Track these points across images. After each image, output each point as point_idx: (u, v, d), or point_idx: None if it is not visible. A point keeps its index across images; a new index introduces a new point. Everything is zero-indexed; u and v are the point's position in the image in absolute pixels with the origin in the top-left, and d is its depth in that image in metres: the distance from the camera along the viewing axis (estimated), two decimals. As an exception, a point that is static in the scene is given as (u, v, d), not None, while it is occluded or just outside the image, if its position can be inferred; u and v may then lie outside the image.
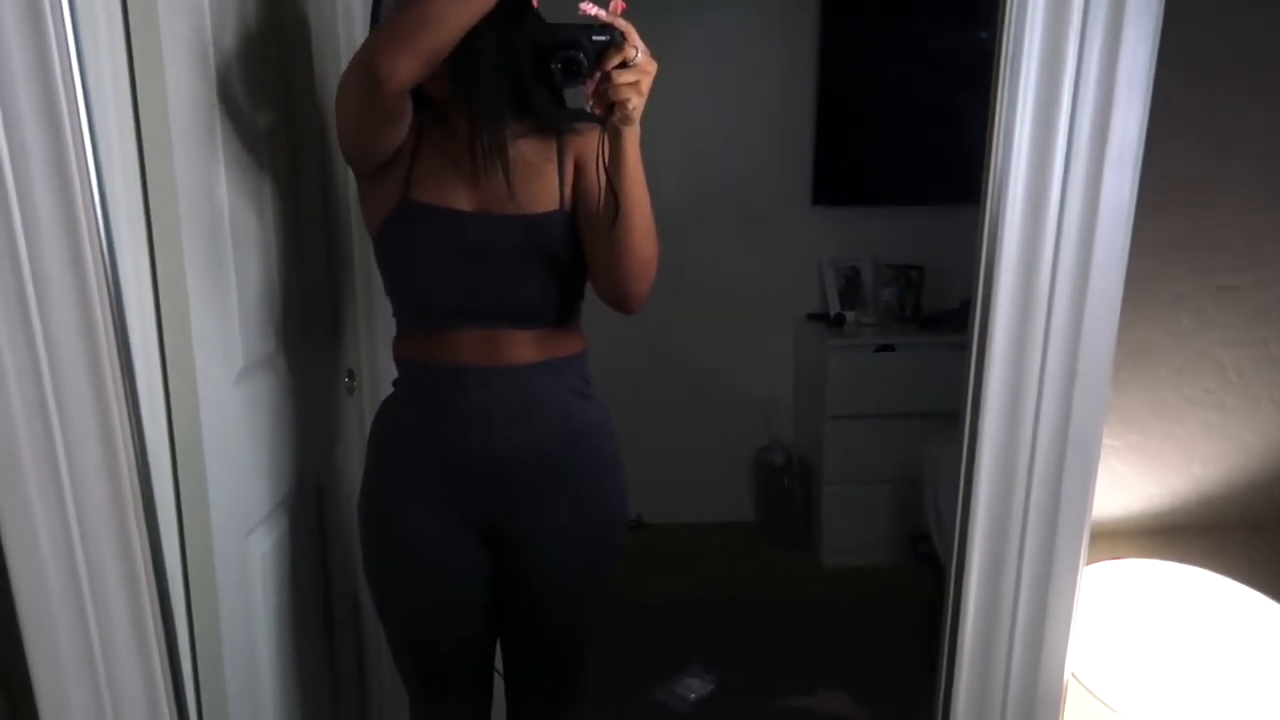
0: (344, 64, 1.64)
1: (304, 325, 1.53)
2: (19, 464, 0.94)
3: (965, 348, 3.05)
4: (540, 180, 1.29)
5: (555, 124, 1.29)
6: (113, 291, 0.93)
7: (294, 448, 1.50)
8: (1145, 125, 0.86)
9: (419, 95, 1.33)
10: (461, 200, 1.28)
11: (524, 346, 1.31)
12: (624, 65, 1.10)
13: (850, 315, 3.14)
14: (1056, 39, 0.84)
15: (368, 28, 1.36)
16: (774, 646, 2.63)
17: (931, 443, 2.58)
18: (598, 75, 1.11)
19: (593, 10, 1.10)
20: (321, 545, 1.66)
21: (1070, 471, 0.95)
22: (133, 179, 1.08)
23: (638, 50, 1.10)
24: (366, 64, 1.13)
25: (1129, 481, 1.17)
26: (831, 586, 2.97)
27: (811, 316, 3.22)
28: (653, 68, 1.12)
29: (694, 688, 2.45)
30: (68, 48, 0.87)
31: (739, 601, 2.85)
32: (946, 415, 2.95)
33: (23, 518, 0.95)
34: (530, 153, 1.30)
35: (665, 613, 2.71)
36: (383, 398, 1.43)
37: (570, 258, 1.29)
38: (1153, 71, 0.85)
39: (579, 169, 1.29)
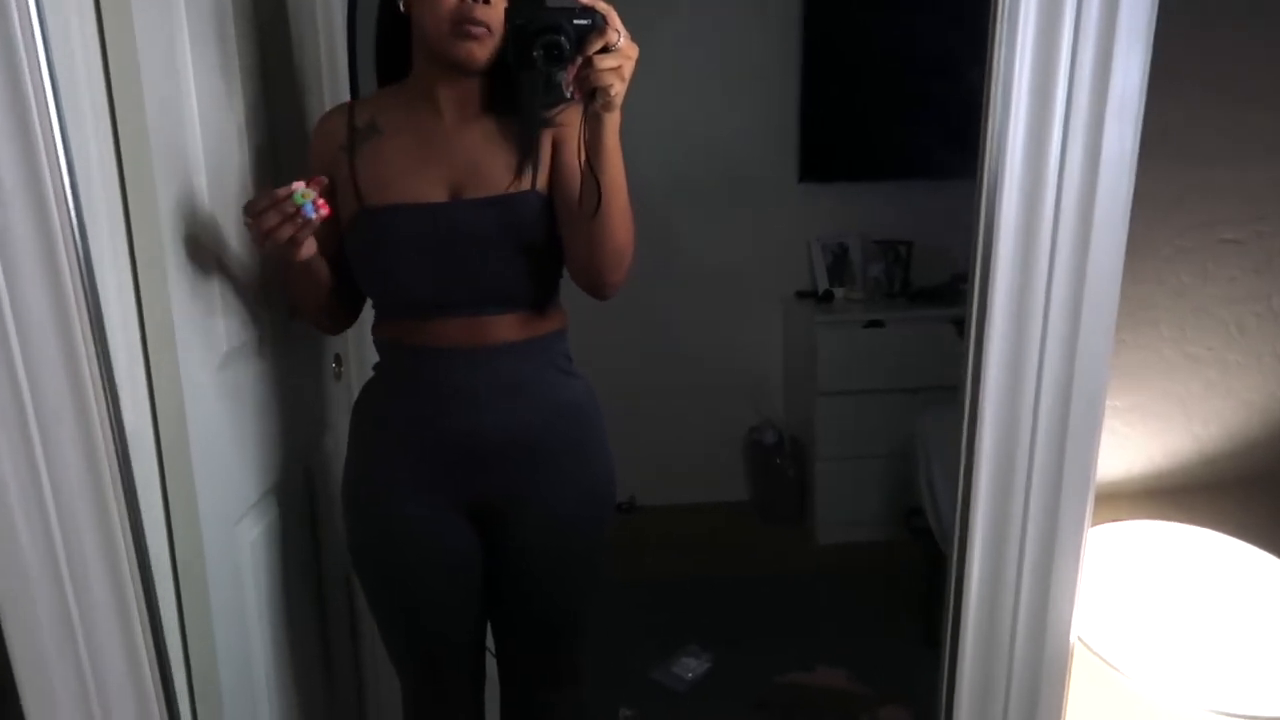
0: (323, 55, 1.64)
1: (288, 312, 1.50)
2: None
3: (955, 322, 3.03)
4: (508, 157, 1.27)
5: (541, 108, 1.26)
6: (87, 280, 0.90)
7: (281, 434, 1.48)
8: (1147, 74, 0.84)
9: (392, 65, 1.32)
10: (425, 190, 1.26)
11: (505, 328, 1.30)
12: (606, 50, 1.07)
13: (839, 292, 3.13)
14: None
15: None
16: (771, 624, 2.63)
17: (924, 417, 2.58)
18: (579, 60, 1.08)
19: None
20: (312, 531, 1.63)
21: (1074, 432, 0.94)
22: (109, 162, 1.05)
23: (620, 34, 1.08)
24: None
25: (1130, 441, 1.15)
26: (827, 563, 2.97)
27: (800, 294, 3.21)
28: (634, 52, 1.09)
29: (691, 667, 2.45)
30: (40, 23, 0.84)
31: (735, 581, 2.85)
32: (938, 389, 2.97)
33: (-1, 510, 0.93)
34: (505, 131, 1.28)
35: (661, 593, 2.71)
36: (369, 381, 1.41)
37: (545, 239, 1.27)
38: (1154, 19, 0.83)
39: (555, 150, 1.27)
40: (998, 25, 0.82)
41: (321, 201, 1.16)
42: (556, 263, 1.31)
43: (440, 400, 1.30)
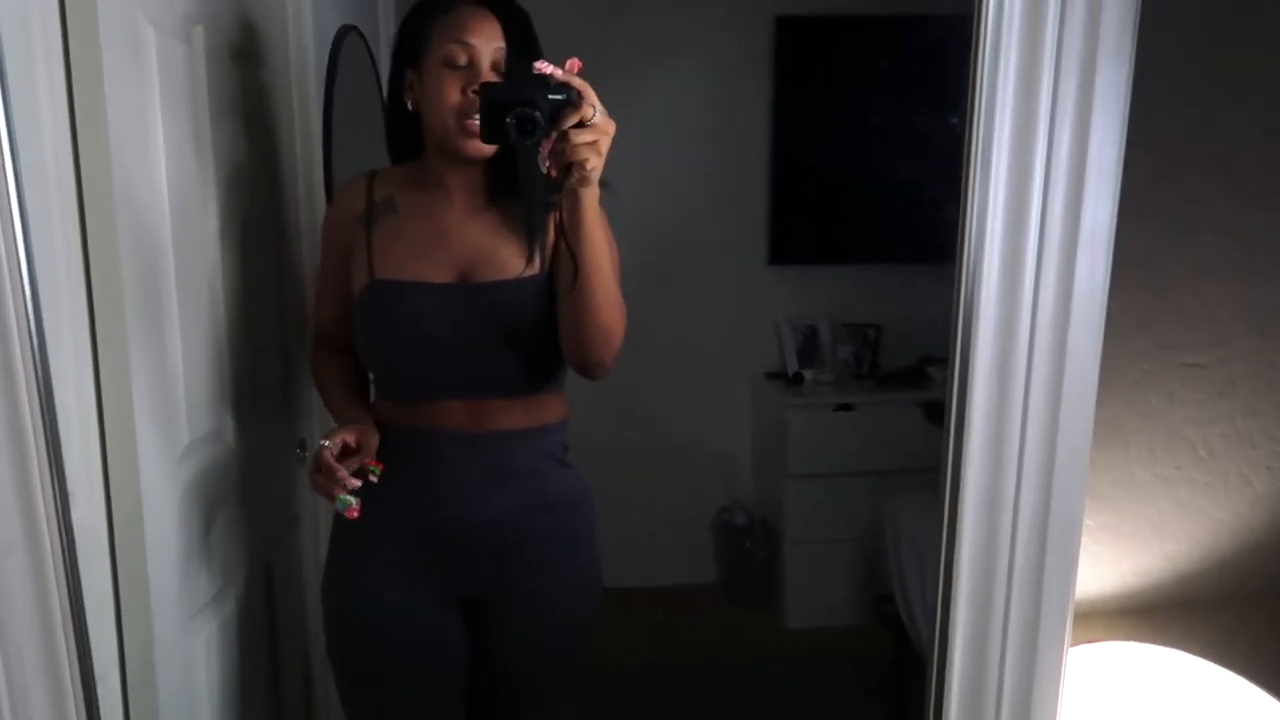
0: (297, 120, 1.65)
1: (253, 395, 1.47)
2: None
3: (922, 406, 3.03)
4: (518, 243, 1.27)
5: (548, 191, 1.27)
6: (40, 370, 0.86)
7: (243, 525, 1.44)
8: (1116, 209, 0.86)
9: (402, 150, 1.34)
10: (434, 270, 1.27)
11: (504, 414, 1.29)
12: (581, 125, 1.07)
13: (809, 374, 3.14)
14: (1026, 127, 0.84)
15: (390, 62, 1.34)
16: (740, 711, 2.58)
17: (892, 502, 2.57)
18: (554, 135, 1.07)
19: (549, 69, 1.07)
20: (270, 628, 1.58)
21: (1052, 555, 0.93)
22: (74, 242, 1.03)
23: (595, 109, 1.07)
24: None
25: (1103, 561, 1.16)
26: (796, 648, 2.93)
27: (770, 375, 3.22)
28: (611, 127, 1.08)
29: (658, 758, 2.39)
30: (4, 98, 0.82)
31: (703, 666, 2.80)
32: (907, 473, 2.97)
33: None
34: (512, 216, 1.28)
35: (629, 680, 2.65)
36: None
37: (548, 323, 1.26)
38: (1122, 157, 0.85)
39: (557, 231, 1.27)
40: (971, 165, 0.84)
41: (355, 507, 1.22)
42: (558, 351, 1.29)
43: (430, 487, 1.29)
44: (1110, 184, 0.85)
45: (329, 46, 1.78)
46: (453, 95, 1.21)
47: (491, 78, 1.20)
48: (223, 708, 1.40)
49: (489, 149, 1.21)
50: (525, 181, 1.26)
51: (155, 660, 1.17)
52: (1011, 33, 0.82)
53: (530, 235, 1.27)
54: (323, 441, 1.22)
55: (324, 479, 1.20)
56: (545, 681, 1.40)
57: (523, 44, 1.23)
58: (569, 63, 1.08)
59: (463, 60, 1.21)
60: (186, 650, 1.28)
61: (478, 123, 1.17)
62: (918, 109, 2.89)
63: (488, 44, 1.21)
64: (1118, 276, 0.92)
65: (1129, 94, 0.85)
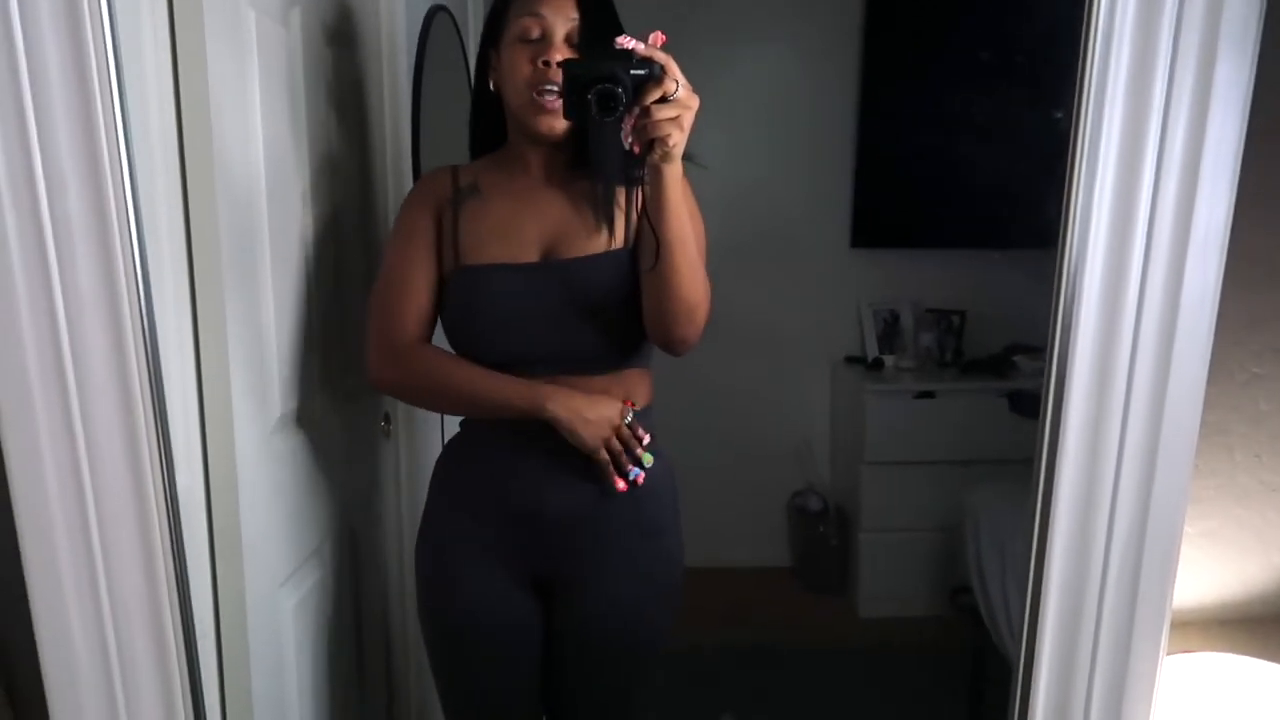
0: (387, 102, 1.67)
1: (342, 370, 1.51)
2: (48, 509, 0.92)
3: (1007, 395, 2.95)
4: (601, 219, 1.27)
5: (632, 167, 1.25)
6: (149, 343, 0.91)
7: (329, 496, 1.48)
8: (1232, 209, 0.82)
9: (486, 139, 1.35)
10: (520, 250, 1.28)
11: (589, 392, 1.28)
12: (664, 100, 1.05)
13: (889, 360, 3.09)
14: (1138, 120, 0.80)
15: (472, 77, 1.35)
16: (807, 696, 2.57)
17: (973, 493, 2.52)
18: (636, 110, 1.06)
19: (630, 43, 1.06)
20: (354, 594, 1.63)
21: (1149, 561, 0.90)
22: (177, 222, 1.07)
23: (678, 84, 1.06)
24: (380, 377, 1.33)
25: (1203, 570, 1.11)
26: (868, 636, 2.90)
27: (850, 359, 3.17)
28: (695, 102, 1.07)
29: (726, 740, 2.39)
30: (109, 69, 0.85)
31: (773, 649, 2.79)
32: (988, 464, 2.91)
33: (48, 564, 0.93)
34: (591, 191, 1.28)
35: (698, 660, 2.66)
36: (419, 441, 1.41)
37: (631, 297, 1.25)
38: (1240, 155, 0.81)
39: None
40: (1076, 162, 0.80)
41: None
42: (641, 326, 1.28)
43: (509, 469, 1.30)
44: (1226, 184, 0.80)
45: (419, 27, 1.79)
46: (525, 68, 1.21)
47: (566, 51, 1.19)
48: (310, 670, 1.44)
49: (562, 125, 1.20)
50: (596, 157, 1.25)
51: (248, 622, 1.22)
52: (1125, 20, 0.78)
53: (600, 211, 1.26)
54: (618, 419, 1.26)
55: (621, 447, 1.26)
56: (622, 672, 1.40)
57: (598, 18, 1.22)
58: (652, 36, 1.07)
59: (536, 33, 1.20)
60: (275, 614, 1.33)
61: (551, 96, 1.16)
62: (1016, 96, 2.79)
63: (561, 17, 1.20)
64: (1230, 273, 0.87)
65: (1251, 87, 0.79)
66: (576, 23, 1.21)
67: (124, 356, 0.89)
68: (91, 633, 0.97)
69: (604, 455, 1.26)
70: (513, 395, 1.25)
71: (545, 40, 1.21)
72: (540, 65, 1.19)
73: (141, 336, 0.91)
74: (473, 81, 1.38)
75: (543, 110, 1.20)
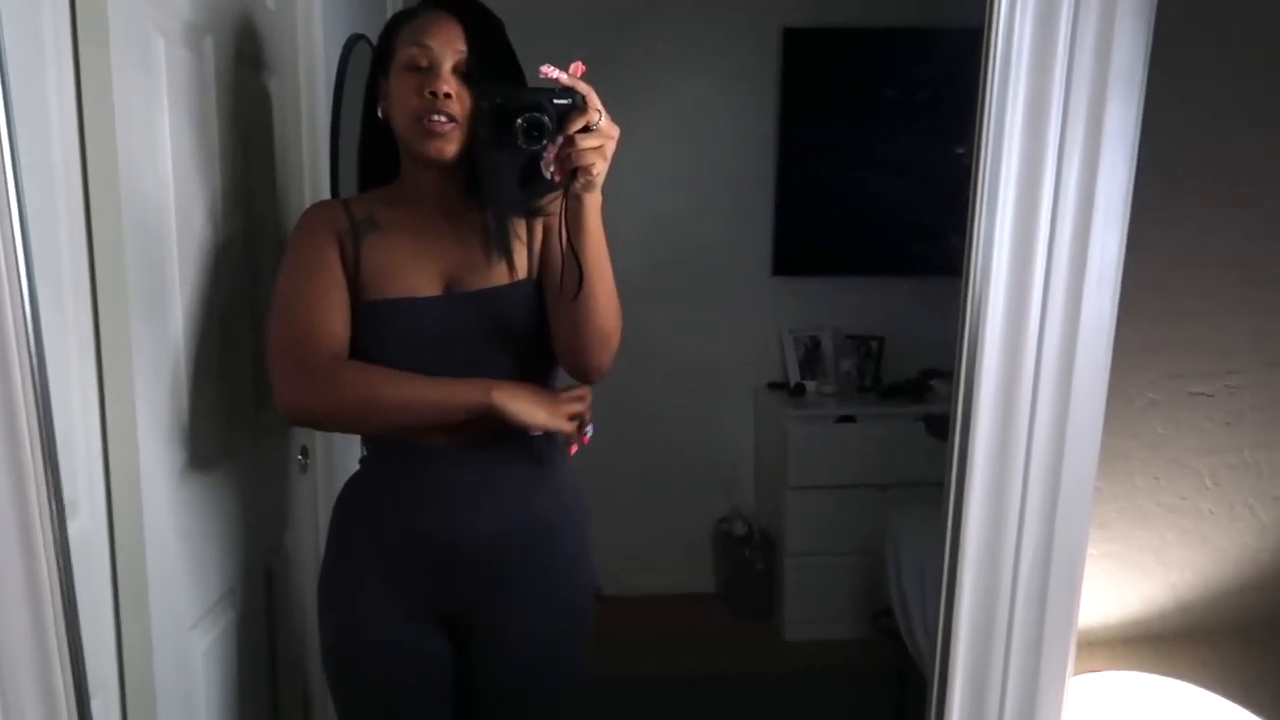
0: (304, 129, 1.65)
1: (256, 405, 1.47)
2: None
3: (924, 419, 3.01)
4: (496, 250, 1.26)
5: (533, 197, 1.27)
6: (39, 383, 0.86)
7: (242, 535, 1.44)
8: (1124, 244, 0.86)
9: (375, 170, 1.32)
10: (422, 284, 1.26)
11: (490, 424, 1.26)
12: (587, 129, 1.07)
13: (811, 385, 3.14)
14: (1034, 160, 0.83)
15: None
16: (736, 722, 2.57)
17: (893, 517, 2.57)
18: (559, 140, 1.07)
19: (554, 73, 1.07)
20: (269, 636, 1.58)
21: (1056, 582, 0.93)
22: (80, 260, 1.04)
23: (600, 114, 1.07)
24: (295, 402, 1.23)
25: (1106, 590, 1.15)
26: (793, 660, 2.92)
27: (772, 385, 3.22)
28: (615, 132, 1.09)
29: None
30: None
31: (700, 677, 2.79)
32: (908, 487, 2.96)
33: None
34: (484, 222, 1.26)
35: (625, 689, 2.64)
36: (338, 474, 1.38)
37: (535, 330, 1.26)
38: (1131, 192, 0.85)
39: (545, 237, 1.27)
40: (977, 196, 0.84)
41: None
42: (549, 355, 1.29)
43: (416, 500, 1.28)
44: (1119, 218, 0.85)
45: (340, 55, 1.78)
46: (412, 99, 1.20)
47: (453, 82, 1.19)
48: (220, 715, 1.39)
49: (452, 149, 1.20)
50: (488, 189, 1.23)
51: (154, 670, 1.17)
52: (1020, 65, 0.81)
53: (497, 242, 1.25)
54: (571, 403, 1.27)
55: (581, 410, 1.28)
56: (545, 703, 1.38)
57: (486, 48, 1.22)
58: (573, 66, 1.08)
59: (423, 63, 1.20)
60: (185, 660, 1.28)
61: (437, 122, 1.16)
62: (925, 125, 2.89)
63: (449, 48, 1.19)
64: (1126, 303, 0.91)
65: (1139, 127, 0.84)
66: (465, 54, 1.20)
67: (10, 394, 0.84)
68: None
69: (568, 425, 1.26)
70: (455, 393, 1.22)
71: (432, 70, 1.19)
72: (428, 95, 1.19)
73: (30, 373, 0.85)
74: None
75: (432, 135, 1.19)
